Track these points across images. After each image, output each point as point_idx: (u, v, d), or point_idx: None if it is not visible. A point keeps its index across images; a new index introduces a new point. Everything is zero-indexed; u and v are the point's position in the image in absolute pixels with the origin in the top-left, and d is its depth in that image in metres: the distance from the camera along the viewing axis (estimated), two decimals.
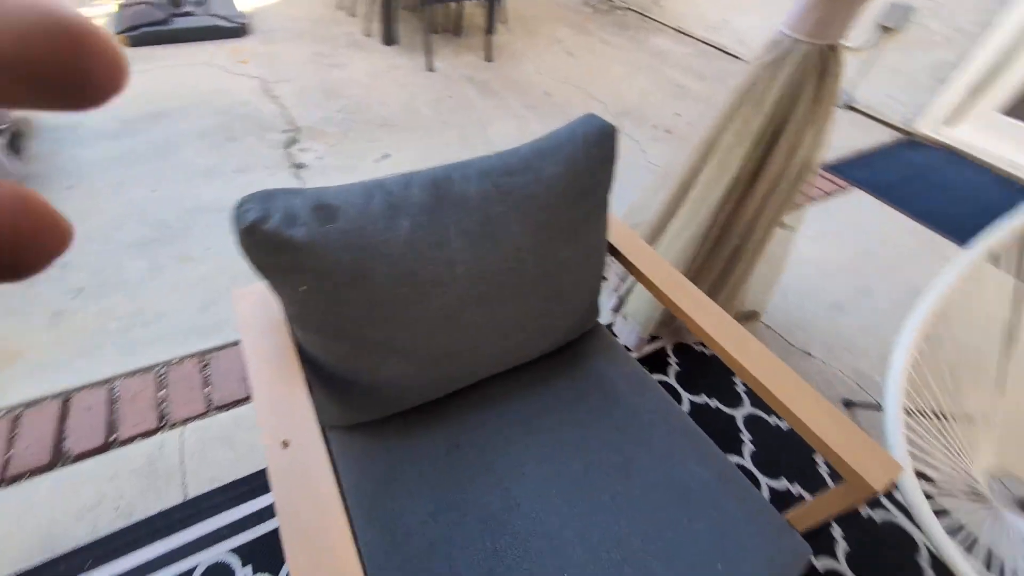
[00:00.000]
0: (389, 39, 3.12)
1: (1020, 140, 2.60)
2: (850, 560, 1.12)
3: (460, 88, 2.80)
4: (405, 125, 2.43)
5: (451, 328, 0.74)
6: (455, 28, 3.44)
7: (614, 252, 0.96)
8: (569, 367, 0.94)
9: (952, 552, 0.96)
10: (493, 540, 0.69)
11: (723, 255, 1.33)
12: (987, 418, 1.24)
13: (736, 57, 3.54)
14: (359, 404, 0.76)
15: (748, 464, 1.27)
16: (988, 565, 1.05)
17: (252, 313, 0.70)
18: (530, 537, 0.71)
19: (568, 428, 0.84)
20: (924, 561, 1.14)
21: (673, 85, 3.13)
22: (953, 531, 1.04)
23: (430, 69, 2.92)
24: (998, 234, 1.11)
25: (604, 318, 1.52)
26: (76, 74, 0.11)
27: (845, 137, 2.74)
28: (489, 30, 3.13)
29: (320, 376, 0.71)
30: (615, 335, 1.52)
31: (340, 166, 2.11)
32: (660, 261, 0.95)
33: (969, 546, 1.09)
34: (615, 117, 2.72)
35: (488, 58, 3.13)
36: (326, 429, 0.82)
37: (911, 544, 1.16)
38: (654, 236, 1.38)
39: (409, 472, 0.76)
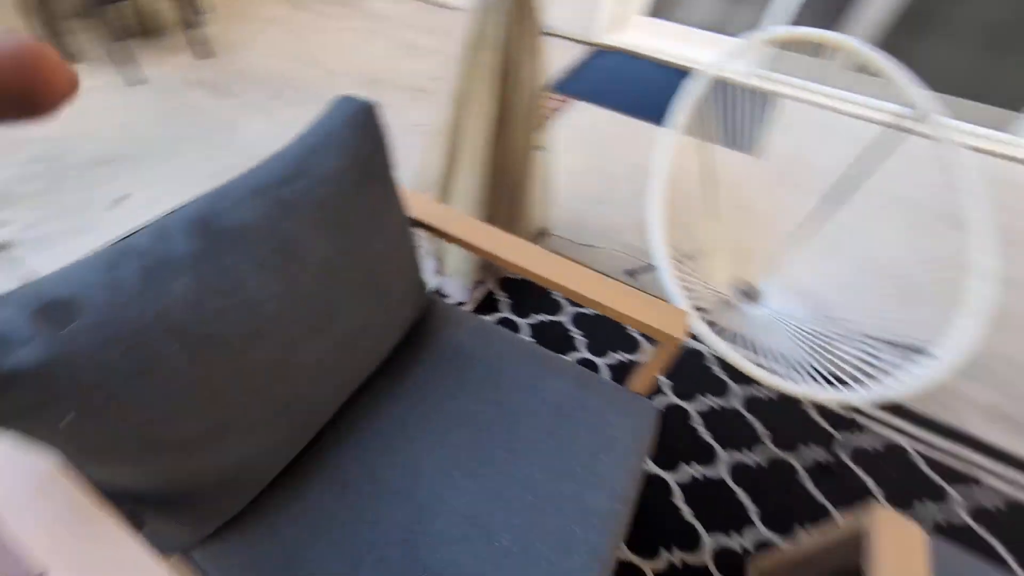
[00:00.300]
0: (67, 57, 2.34)
1: (664, 34, 3.07)
2: (675, 390, 1.30)
3: (184, 96, 2.27)
4: (133, 155, 1.90)
5: (286, 374, 0.60)
6: (148, 29, 2.71)
7: (417, 224, 0.88)
8: (421, 349, 0.86)
9: (728, 351, 1.16)
10: (420, 554, 0.62)
11: (506, 190, 1.33)
12: (716, 245, 1.50)
13: (449, 8, 3.46)
14: (215, 506, 0.58)
15: (586, 355, 1.37)
16: (755, 352, 1.30)
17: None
18: (452, 528, 0.65)
19: (443, 409, 0.78)
20: (712, 364, 1.38)
21: (406, 45, 2.96)
22: (723, 336, 1.26)
23: (138, 82, 2.30)
24: (677, 111, 1.27)
25: (432, 284, 1.45)
26: (37, 88, 0.11)
27: (552, 58, 2.91)
28: (191, 24, 2.54)
29: (148, 504, 0.52)
30: (446, 296, 1.47)
31: (64, 229, 1.57)
32: (458, 216, 0.91)
33: (733, 340, 1.34)
34: (365, 87, 2.49)
35: (204, 55, 2.56)
36: (188, 552, 0.63)
37: (701, 356, 1.40)
38: (444, 193, 1.32)
39: (308, 544, 0.62)
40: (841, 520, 0.74)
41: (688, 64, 2.93)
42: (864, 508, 0.71)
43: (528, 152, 1.32)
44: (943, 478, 1.19)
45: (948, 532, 1.09)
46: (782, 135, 2.40)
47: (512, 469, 0.72)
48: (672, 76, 2.83)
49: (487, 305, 1.47)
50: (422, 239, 0.88)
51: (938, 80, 1.49)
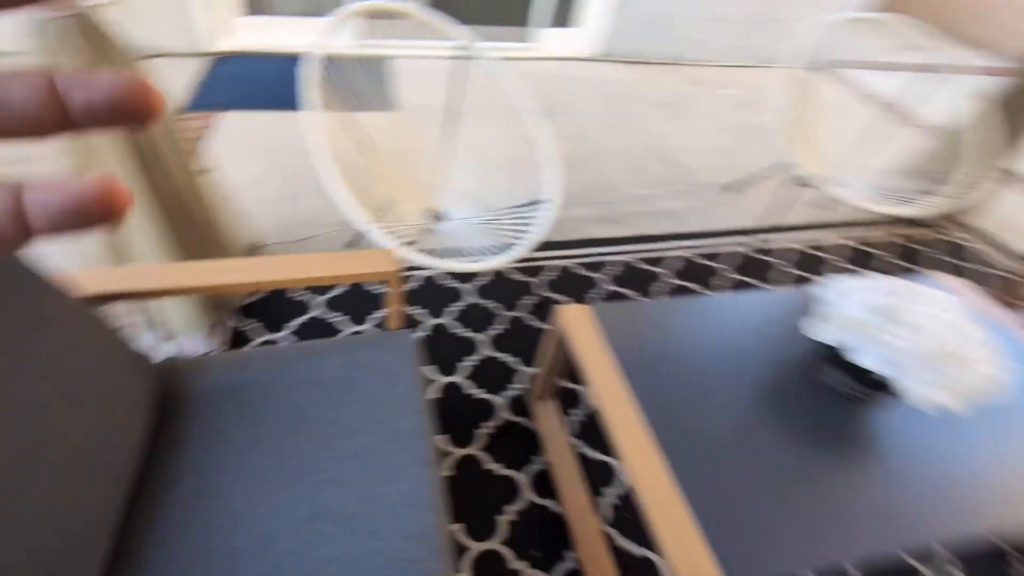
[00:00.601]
0: None
1: (270, 29, 2.85)
2: (430, 314, 1.46)
3: None
4: None
5: (14, 532, 0.48)
6: None
7: (103, 299, 0.72)
8: (183, 417, 0.75)
9: (443, 263, 1.34)
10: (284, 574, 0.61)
11: (190, 227, 1.16)
12: (398, 191, 1.62)
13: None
14: None
15: (352, 329, 1.39)
16: (461, 254, 1.51)
17: None
18: (301, 534, 0.64)
19: (235, 451, 0.71)
20: (443, 279, 1.58)
21: None
22: (434, 255, 1.43)
23: None
24: (305, 94, 1.26)
25: (166, 353, 1.20)
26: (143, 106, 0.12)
27: (170, 80, 2.42)
28: None
29: None
30: (188, 355, 1.24)
31: None
32: (149, 268, 0.79)
33: (443, 255, 1.53)
34: None
35: None
36: None
37: (433, 279, 1.58)
38: (122, 258, 1.06)
39: None
40: (551, 329, 1.01)
41: (302, 50, 2.80)
42: (555, 314, 0.98)
43: (192, 181, 1.15)
44: (591, 271, 1.69)
45: (605, 299, 1.59)
46: (403, 87, 2.60)
47: (325, 453, 0.72)
48: (294, 65, 2.68)
49: (238, 340, 1.31)
50: (121, 315, 0.74)
51: (476, 18, 1.85)
